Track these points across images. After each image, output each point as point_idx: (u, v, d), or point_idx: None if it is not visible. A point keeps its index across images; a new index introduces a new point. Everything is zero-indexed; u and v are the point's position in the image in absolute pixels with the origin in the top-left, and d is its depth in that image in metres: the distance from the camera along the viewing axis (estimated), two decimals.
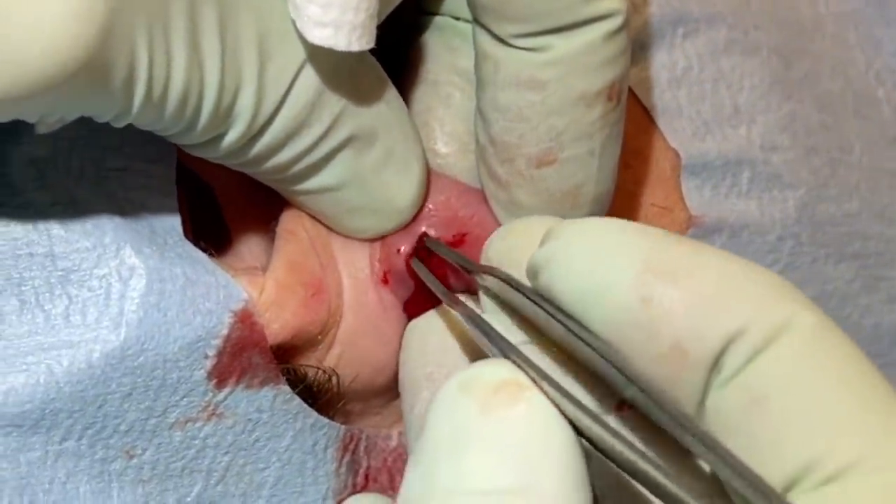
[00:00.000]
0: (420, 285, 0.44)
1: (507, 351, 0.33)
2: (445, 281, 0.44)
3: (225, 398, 0.41)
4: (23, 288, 0.39)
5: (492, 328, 0.35)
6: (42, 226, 0.40)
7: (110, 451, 0.40)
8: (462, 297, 0.44)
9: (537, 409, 0.31)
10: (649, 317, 0.32)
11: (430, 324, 0.43)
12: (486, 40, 0.42)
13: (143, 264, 0.39)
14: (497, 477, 0.30)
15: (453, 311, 0.38)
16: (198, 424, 0.40)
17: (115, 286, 0.39)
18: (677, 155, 0.48)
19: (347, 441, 0.44)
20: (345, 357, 0.44)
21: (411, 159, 0.43)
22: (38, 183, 0.40)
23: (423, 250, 0.44)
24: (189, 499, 0.41)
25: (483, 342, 0.35)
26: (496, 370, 0.32)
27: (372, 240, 0.44)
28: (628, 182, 0.48)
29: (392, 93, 0.42)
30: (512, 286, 0.36)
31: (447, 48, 0.45)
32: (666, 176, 0.49)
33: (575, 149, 0.42)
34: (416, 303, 0.44)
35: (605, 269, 0.32)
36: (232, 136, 0.39)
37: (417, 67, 0.45)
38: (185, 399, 0.40)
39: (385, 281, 0.44)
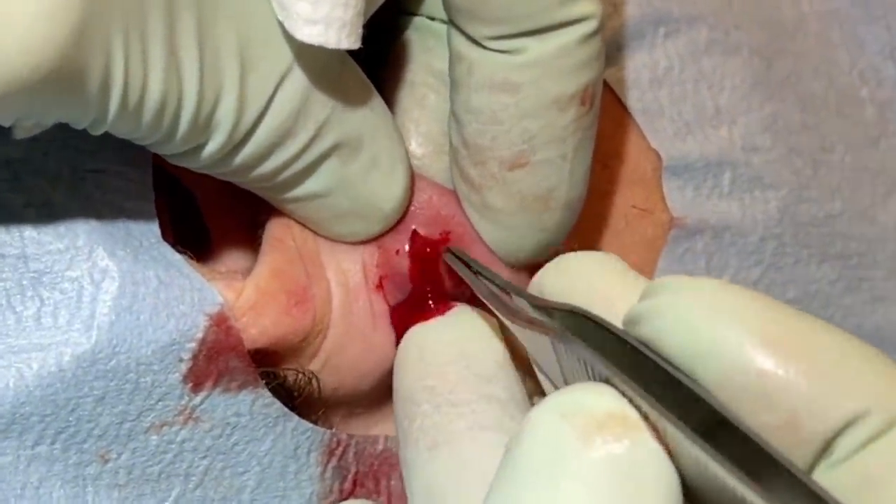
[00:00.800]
0: (418, 289, 0.43)
1: (613, 378, 0.32)
2: (442, 286, 0.44)
3: (202, 402, 0.40)
4: None
5: (591, 351, 0.33)
6: (15, 227, 0.39)
7: (84, 455, 0.39)
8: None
9: (643, 448, 0.30)
10: (766, 387, 0.31)
11: (429, 334, 0.43)
12: (460, 42, 0.41)
13: (115, 267, 0.39)
14: None
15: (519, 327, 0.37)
16: (174, 428, 0.40)
17: (87, 289, 0.39)
18: (658, 156, 0.48)
19: (334, 446, 0.43)
20: (330, 365, 0.43)
21: (396, 163, 0.42)
22: (11, 184, 0.39)
23: (421, 250, 0.44)
24: (167, 503, 0.41)
25: (561, 365, 0.35)
26: (601, 400, 0.31)
27: (363, 243, 0.43)
28: (608, 183, 0.48)
29: (376, 98, 0.42)
30: (601, 325, 0.34)
31: (423, 49, 0.44)
32: (647, 177, 0.48)
33: (547, 152, 0.42)
34: (406, 309, 0.44)
35: (724, 332, 0.32)
36: (212, 147, 0.38)
37: (393, 68, 0.45)
38: (160, 403, 0.39)
39: (380, 286, 0.43)
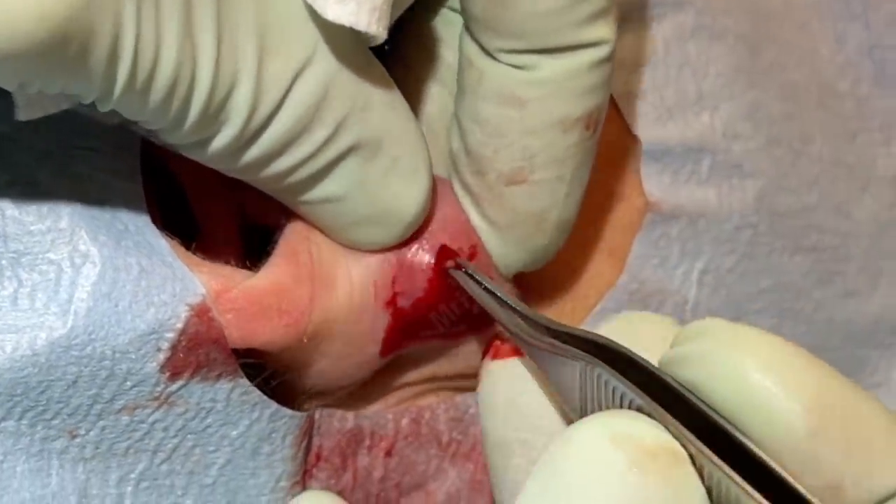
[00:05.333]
0: (432, 306, 0.42)
1: (653, 412, 0.32)
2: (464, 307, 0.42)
3: (178, 389, 0.38)
4: None
5: (628, 383, 0.33)
6: None
7: (52, 430, 0.38)
8: None
9: (690, 486, 0.31)
10: (815, 450, 0.31)
11: (515, 377, 0.41)
12: (472, 50, 0.40)
13: (97, 251, 0.37)
14: None
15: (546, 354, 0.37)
16: (147, 411, 0.38)
17: (67, 272, 0.37)
18: (637, 140, 0.47)
19: (306, 427, 0.42)
20: (316, 369, 0.42)
21: (419, 167, 0.40)
22: None
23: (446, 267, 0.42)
24: (133, 476, 0.39)
25: (583, 393, 0.35)
26: (651, 431, 0.31)
27: (379, 254, 0.41)
28: None
29: (398, 97, 0.40)
30: (632, 358, 0.34)
31: (439, 39, 0.43)
32: (625, 161, 0.47)
33: (546, 172, 0.41)
34: (407, 322, 0.42)
35: (778, 390, 0.31)
36: (223, 139, 0.36)
37: (406, 52, 0.43)
38: (134, 389, 0.38)
39: (391, 303, 0.41)
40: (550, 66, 0.39)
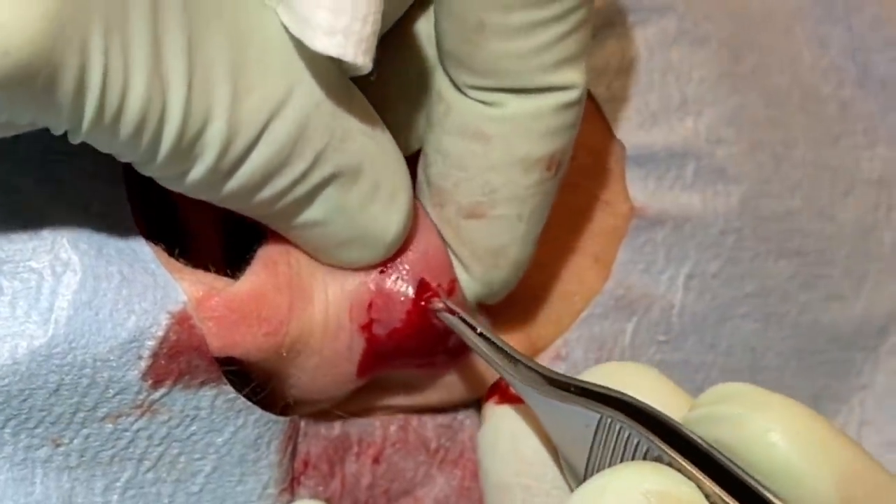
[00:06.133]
0: (410, 337, 0.42)
1: (694, 476, 0.33)
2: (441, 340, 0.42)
3: (161, 397, 0.38)
4: None
5: (657, 439, 0.34)
6: None
7: (35, 439, 0.37)
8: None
9: None
10: None
11: (519, 422, 0.41)
12: (443, 83, 0.40)
13: (78, 260, 0.37)
14: None
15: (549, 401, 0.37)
16: (130, 419, 0.38)
17: (48, 280, 0.37)
18: (622, 145, 0.46)
19: (291, 433, 0.42)
20: (291, 382, 0.42)
21: (398, 190, 0.40)
22: None
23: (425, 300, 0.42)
24: (118, 484, 0.39)
25: (595, 445, 0.35)
26: (683, 488, 0.32)
27: (358, 275, 0.41)
28: (572, 173, 0.46)
29: (378, 124, 0.40)
30: (651, 415, 0.35)
31: (411, 54, 0.43)
32: (609, 167, 0.47)
33: (505, 209, 0.41)
34: (384, 350, 0.42)
35: (810, 458, 0.32)
36: (197, 174, 0.36)
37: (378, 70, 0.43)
38: (116, 397, 0.37)
39: (367, 327, 0.41)
40: (516, 105, 0.39)
